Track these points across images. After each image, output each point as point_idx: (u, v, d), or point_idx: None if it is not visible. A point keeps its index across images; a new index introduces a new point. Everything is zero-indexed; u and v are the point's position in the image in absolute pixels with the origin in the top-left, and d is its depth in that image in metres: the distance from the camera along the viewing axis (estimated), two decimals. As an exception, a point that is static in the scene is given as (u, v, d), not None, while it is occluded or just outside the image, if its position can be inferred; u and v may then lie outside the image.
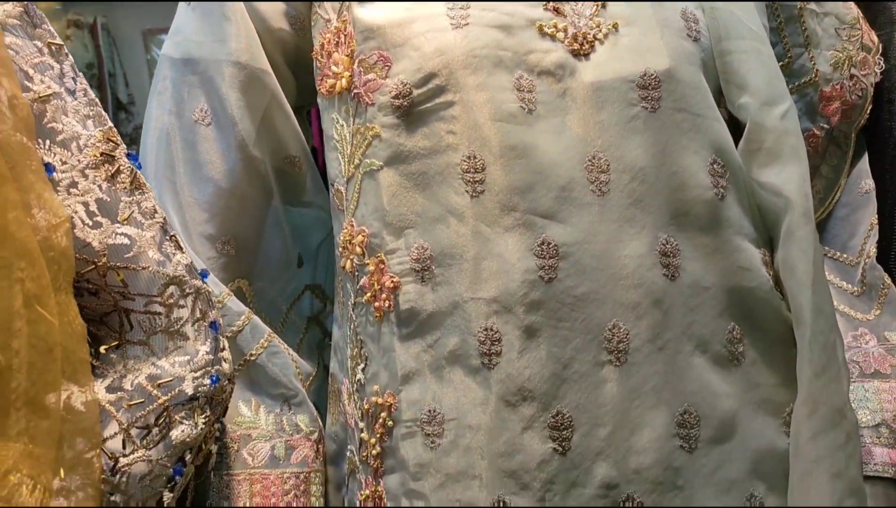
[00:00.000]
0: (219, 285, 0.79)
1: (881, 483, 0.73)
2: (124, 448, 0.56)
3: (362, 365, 0.74)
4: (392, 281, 0.70)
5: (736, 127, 0.75)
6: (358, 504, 0.75)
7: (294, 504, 0.77)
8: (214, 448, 0.72)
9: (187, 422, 0.59)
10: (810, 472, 0.64)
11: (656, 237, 0.68)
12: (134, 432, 0.57)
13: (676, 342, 0.67)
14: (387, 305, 0.71)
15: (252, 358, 0.80)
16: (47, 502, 0.44)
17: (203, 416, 0.60)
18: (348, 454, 0.78)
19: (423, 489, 0.68)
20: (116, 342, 0.61)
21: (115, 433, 0.56)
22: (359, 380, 0.74)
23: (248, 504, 0.75)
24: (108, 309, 0.61)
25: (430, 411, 0.68)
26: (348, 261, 0.75)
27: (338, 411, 0.81)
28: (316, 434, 0.82)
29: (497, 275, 0.67)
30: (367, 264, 0.72)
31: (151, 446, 0.57)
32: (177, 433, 0.58)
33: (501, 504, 0.65)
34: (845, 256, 0.84)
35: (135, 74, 3.08)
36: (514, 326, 0.66)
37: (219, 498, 0.74)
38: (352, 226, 0.75)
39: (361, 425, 0.74)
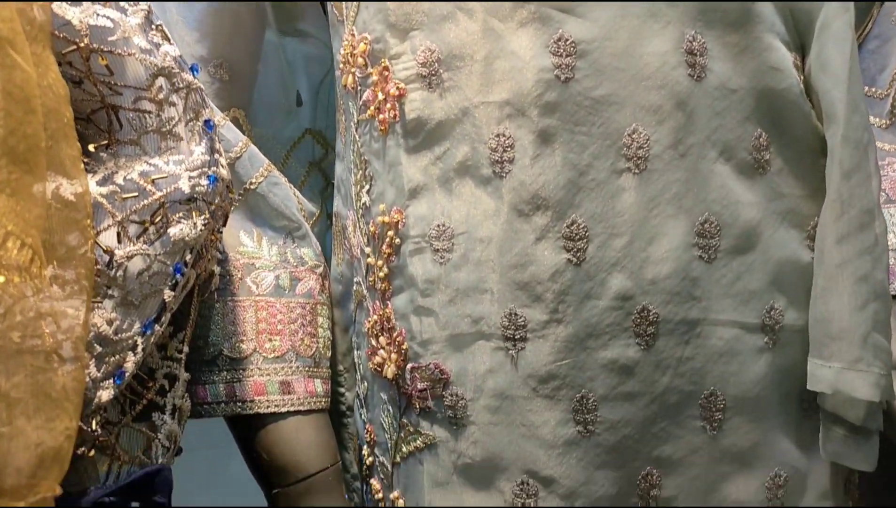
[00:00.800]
0: (214, 110, 0.75)
1: (902, 301, 0.72)
2: (119, 242, 0.54)
3: (367, 187, 0.71)
4: (397, 88, 0.66)
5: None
6: (365, 332, 0.73)
7: (301, 334, 0.75)
8: (217, 269, 0.70)
9: (185, 222, 0.56)
10: (834, 277, 0.62)
11: (682, 34, 0.63)
12: (131, 229, 0.55)
13: (699, 148, 0.64)
14: (392, 116, 0.67)
15: (252, 187, 0.77)
16: (38, 266, 0.41)
17: (202, 218, 0.57)
18: (355, 287, 0.76)
19: (432, 305, 0.66)
20: (106, 142, 0.57)
21: (109, 226, 0.54)
22: (364, 204, 0.71)
23: (254, 330, 0.73)
24: (96, 105, 0.57)
25: (438, 225, 0.65)
26: (350, 76, 0.71)
27: (343, 249, 0.78)
28: (321, 269, 0.80)
29: (509, 75, 0.62)
30: (371, 73, 0.68)
31: (149, 243, 0.55)
32: (175, 231, 0.56)
33: (513, 317, 0.63)
34: (874, 89, 0.79)
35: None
36: (527, 130, 0.62)
37: (224, 323, 0.73)
38: (353, 36, 0.69)
39: (368, 250, 0.71)
